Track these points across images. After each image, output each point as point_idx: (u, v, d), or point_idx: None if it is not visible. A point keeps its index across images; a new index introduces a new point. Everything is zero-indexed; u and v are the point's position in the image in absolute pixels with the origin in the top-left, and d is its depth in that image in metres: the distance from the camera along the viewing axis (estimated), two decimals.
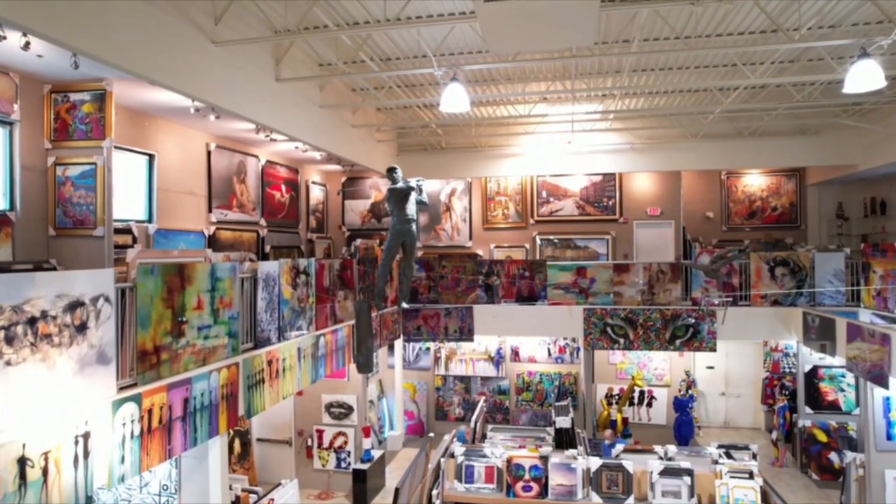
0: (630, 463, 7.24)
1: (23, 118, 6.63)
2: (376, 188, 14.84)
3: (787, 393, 11.35)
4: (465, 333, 11.40)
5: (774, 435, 11.05)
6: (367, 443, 9.64)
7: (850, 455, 8.67)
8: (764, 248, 11.90)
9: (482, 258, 13.72)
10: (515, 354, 13.07)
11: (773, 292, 10.50)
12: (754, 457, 7.48)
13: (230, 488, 6.87)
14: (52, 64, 6.18)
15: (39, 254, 6.77)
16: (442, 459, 7.54)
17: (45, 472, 3.73)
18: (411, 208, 9.29)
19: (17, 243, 6.53)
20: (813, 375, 10.53)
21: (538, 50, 7.77)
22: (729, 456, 7.42)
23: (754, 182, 14.62)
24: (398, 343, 12.18)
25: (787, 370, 12.37)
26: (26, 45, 5.54)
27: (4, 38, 5.38)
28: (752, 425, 13.13)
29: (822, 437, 10.19)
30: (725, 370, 13.19)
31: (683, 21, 7.84)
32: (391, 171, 9.39)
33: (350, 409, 9.89)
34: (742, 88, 10.13)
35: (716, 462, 7.13)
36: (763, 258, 10.64)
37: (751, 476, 6.81)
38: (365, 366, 8.47)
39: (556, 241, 14.39)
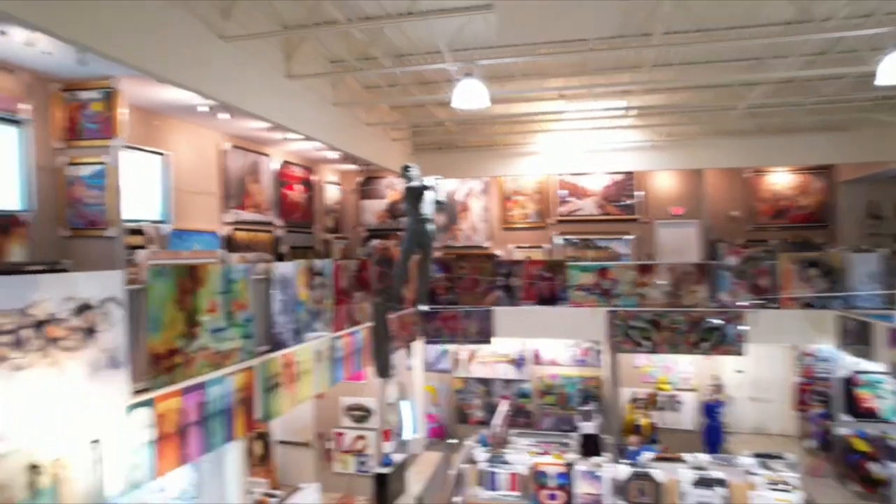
0: (659, 472, 6.95)
1: (34, 117, 6.50)
2: (392, 188, 14.63)
3: (821, 399, 10.90)
4: (485, 335, 11.13)
5: (810, 443, 10.59)
6: (387, 446, 9.41)
7: (894, 466, 8.25)
8: (792, 249, 11.47)
9: (501, 258, 13.44)
10: (537, 357, 12.78)
11: (806, 296, 10.09)
12: (791, 467, 7.13)
13: (250, 492, 6.70)
14: (61, 62, 6.04)
15: (54, 255, 6.63)
16: (464, 465, 7.30)
17: (56, 479, 3.59)
18: (427, 208, 9.08)
19: (31, 244, 6.40)
20: (849, 381, 10.09)
21: (553, 39, 7.51)
22: (764, 465, 7.08)
23: (780, 180, 14.17)
24: (417, 345, 11.94)
25: (821, 375, 11.90)
26: (30, 42, 5.40)
27: (4, 33, 5.22)
28: (784, 432, 12.59)
29: (862, 447, 9.71)
30: (755, 374, 12.74)
31: (708, 12, 7.52)
32: (406, 169, 9.19)
33: (369, 411, 9.67)
34: (767, 83, 9.76)
35: (750, 472, 6.79)
36: (793, 259, 10.24)
37: (789, 487, 6.46)
38: (382, 370, 8.26)
39: (576, 241, 14.07)
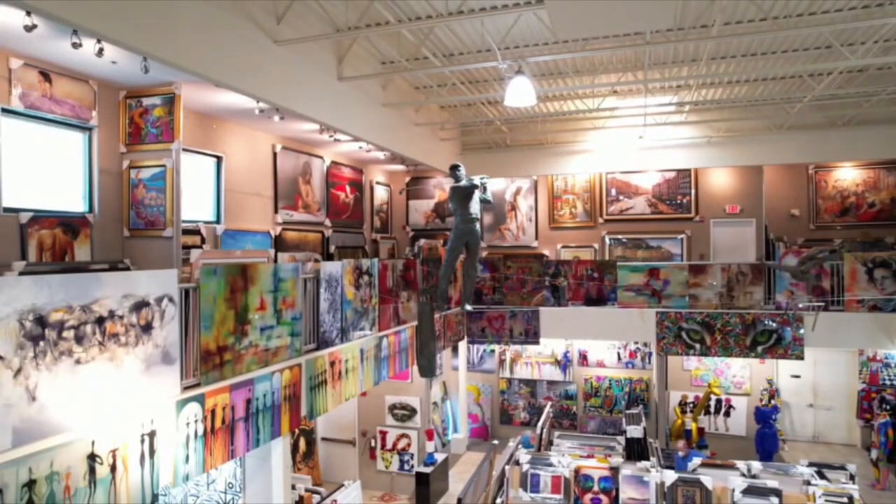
0: (709, 478, 6.72)
1: (100, 124, 6.86)
2: (440, 188, 14.70)
3: (888, 408, 10.32)
4: (531, 336, 11.08)
5: (874, 454, 10.04)
6: (430, 445, 9.49)
7: None
8: (860, 248, 10.87)
9: (549, 258, 13.31)
10: (583, 358, 12.62)
11: (874, 298, 9.56)
12: (852, 478, 6.77)
13: (293, 488, 6.88)
14: (126, 70, 6.35)
15: (115, 254, 6.99)
16: (506, 467, 7.28)
17: (113, 469, 3.78)
18: (475, 207, 9.07)
19: (95, 244, 6.77)
20: None
21: (608, 33, 7.36)
22: (822, 476, 6.75)
23: (847, 176, 13.45)
24: (462, 345, 11.99)
25: (889, 382, 11.27)
26: (100, 52, 5.70)
27: (80, 45, 5.53)
28: (846, 441, 12.04)
29: None
30: (813, 380, 12.20)
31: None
32: (454, 168, 9.21)
33: (413, 410, 9.77)
34: (837, 72, 9.29)
35: (808, 483, 6.49)
36: (860, 259, 9.73)
37: (850, 501, 6.14)
38: (427, 369, 8.32)
39: (626, 240, 13.78)
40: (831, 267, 9.88)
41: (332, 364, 6.45)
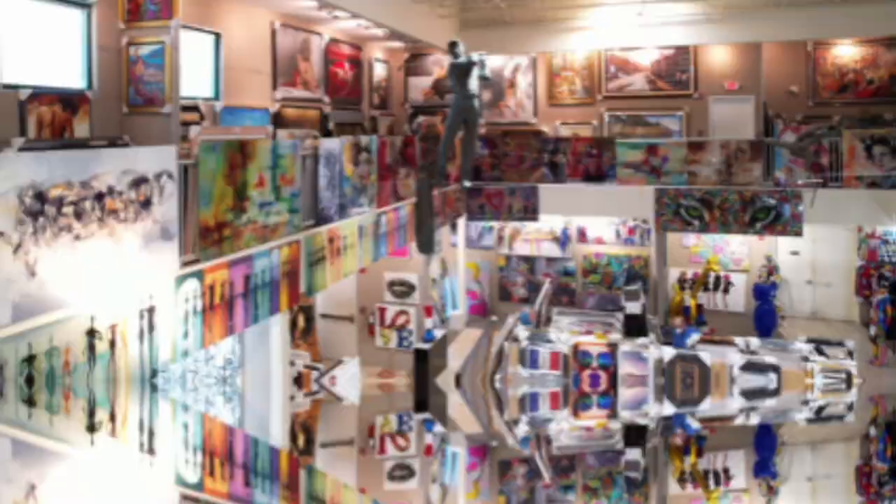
0: (707, 355, 6.91)
1: (99, 0, 6.56)
2: (439, 65, 14.19)
3: (886, 284, 10.49)
4: (530, 212, 11.09)
5: (873, 330, 10.12)
6: (428, 322, 9.73)
7: None
8: (859, 125, 10.61)
9: (547, 135, 13.11)
10: (582, 235, 12.73)
11: (873, 175, 9.48)
12: (850, 354, 6.95)
13: (292, 364, 7.05)
14: None
15: (114, 131, 6.96)
16: (505, 343, 7.50)
17: (112, 345, 3.83)
18: (473, 84, 8.87)
19: (94, 120, 6.71)
20: None
21: None
22: (821, 352, 6.94)
23: (846, 53, 12.80)
24: (461, 221, 12.07)
25: (887, 259, 11.39)
26: None
27: None
28: (845, 318, 12.09)
29: None
30: (812, 256, 12.25)
31: None
32: (452, 45, 8.96)
33: (412, 287, 9.93)
34: None
35: (806, 359, 6.67)
36: (858, 136, 9.53)
37: (848, 377, 6.32)
38: (426, 245, 8.50)
39: (625, 117, 13.47)
40: (830, 144, 9.72)
41: (331, 241, 6.56)
